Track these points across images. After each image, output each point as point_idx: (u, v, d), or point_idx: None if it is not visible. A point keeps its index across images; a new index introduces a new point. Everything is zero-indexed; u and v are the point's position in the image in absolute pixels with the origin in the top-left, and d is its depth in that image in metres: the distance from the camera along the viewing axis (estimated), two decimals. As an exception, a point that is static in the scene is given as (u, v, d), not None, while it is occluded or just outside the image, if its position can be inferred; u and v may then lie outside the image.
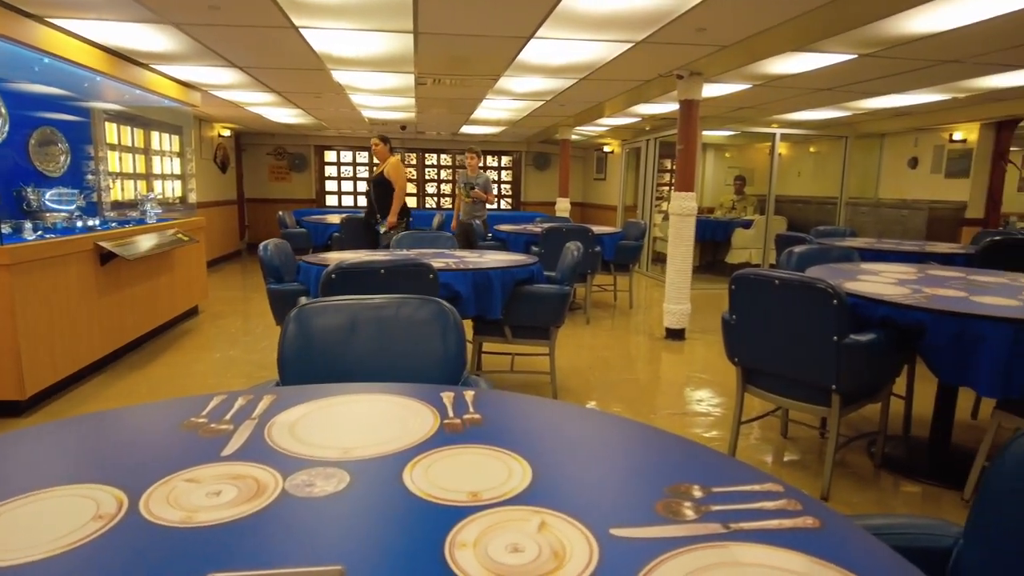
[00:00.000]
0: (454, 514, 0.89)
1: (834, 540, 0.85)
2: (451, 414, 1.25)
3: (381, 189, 6.12)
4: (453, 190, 12.87)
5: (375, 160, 6.40)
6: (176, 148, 7.70)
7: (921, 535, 1.09)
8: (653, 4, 3.74)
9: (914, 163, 8.51)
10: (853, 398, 2.76)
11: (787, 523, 0.88)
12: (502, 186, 14.13)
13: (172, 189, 7.76)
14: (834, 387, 2.63)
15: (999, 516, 1.00)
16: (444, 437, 1.15)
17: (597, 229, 6.74)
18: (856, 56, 4.82)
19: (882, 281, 3.20)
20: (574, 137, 10.98)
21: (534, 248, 6.11)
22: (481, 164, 7.73)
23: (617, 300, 7.62)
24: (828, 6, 3.63)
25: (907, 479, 3.12)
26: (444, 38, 4.66)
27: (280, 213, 9.47)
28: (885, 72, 5.38)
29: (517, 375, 4.56)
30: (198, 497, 0.93)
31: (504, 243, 6.75)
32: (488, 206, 7.67)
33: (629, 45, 4.72)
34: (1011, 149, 7.53)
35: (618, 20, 4.09)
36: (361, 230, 6.67)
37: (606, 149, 12.56)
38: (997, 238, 4.69)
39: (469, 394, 1.36)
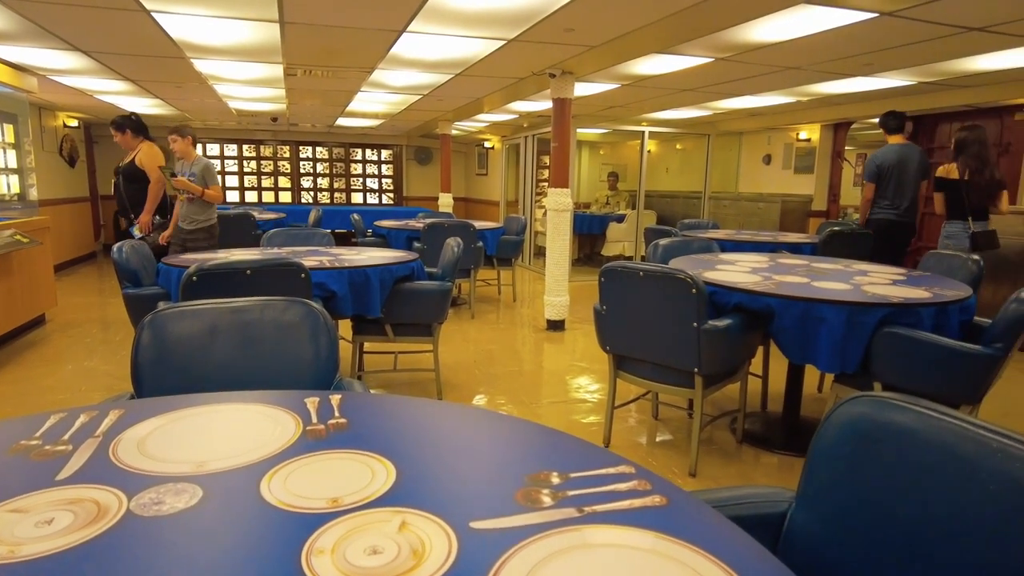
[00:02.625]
0: (313, 521, 0.87)
1: (679, 516, 0.91)
2: (315, 420, 1.22)
3: (133, 182, 5.12)
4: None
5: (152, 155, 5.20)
6: (10, 139, 6.92)
7: (760, 503, 1.19)
8: (521, 3, 3.81)
9: (768, 160, 9.24)
10: (714, 379, 2.97)
11: (637, 503, 0.93)
12: (383, 180, 13.83)
13: (7, 185, 6.97)
14: (696, 370, 2.81)
15: (820, 477, 1.11)
16: (306, 444, 1.12)
17: (479, 224, 6.79)
18: (713, 59, 5.15)
19: (737, 270, 3.44)
20: (455, 132, 10.97)
21: (416, 244, 6.07)
22: (203, 151, 5.46)
23: (501, 294, 7.72)
24: (685, 12, 3.86)
25: (766, 451, 3.40)
26: (313, 28, 4.49)
27: (139, 211, 8.76)
28: (738, 75, 5.81)
29: (401, 374, 4.51)
30: (24, 528, 0.85)
31: (385, 239, 6.64)
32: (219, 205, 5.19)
33: (501, 43, 4.78)
34: (846, 148, 8.37)
35: (488, 18, 4.12)
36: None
37: (487, 145, 12.65)
38: (836, 228, 5.18)
39: (335, 398, 1.33)
